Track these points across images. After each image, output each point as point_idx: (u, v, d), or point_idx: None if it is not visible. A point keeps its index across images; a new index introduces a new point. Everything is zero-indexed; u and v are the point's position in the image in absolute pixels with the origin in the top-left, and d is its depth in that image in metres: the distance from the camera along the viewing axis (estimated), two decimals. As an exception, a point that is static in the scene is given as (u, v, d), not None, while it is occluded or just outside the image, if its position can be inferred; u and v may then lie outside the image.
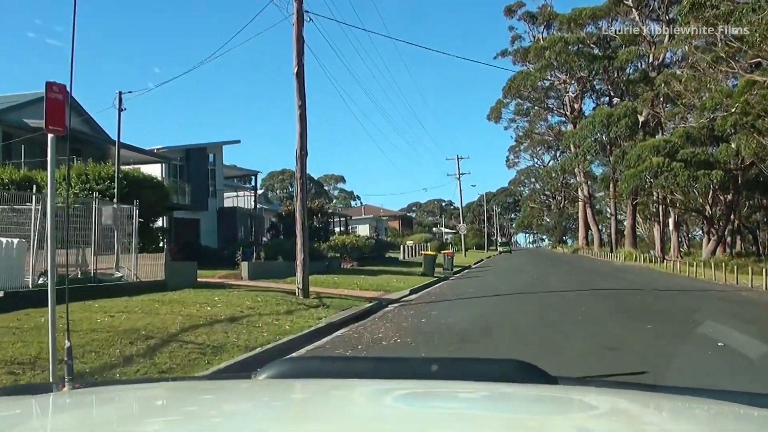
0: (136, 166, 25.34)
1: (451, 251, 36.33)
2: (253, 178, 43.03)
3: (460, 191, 65.40)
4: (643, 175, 38.28)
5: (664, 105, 44.60)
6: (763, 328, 11.15)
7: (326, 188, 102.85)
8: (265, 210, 43.42)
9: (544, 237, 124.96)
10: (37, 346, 7.22)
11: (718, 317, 12.12)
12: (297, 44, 16.07)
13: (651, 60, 48.98)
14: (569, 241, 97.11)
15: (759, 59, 29.77)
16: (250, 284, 18.82)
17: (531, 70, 55.38)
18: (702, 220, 44.75)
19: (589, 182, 64.83)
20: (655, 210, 49.48)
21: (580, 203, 68.46)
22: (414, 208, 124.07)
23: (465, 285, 23.56)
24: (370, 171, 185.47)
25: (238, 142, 45.04)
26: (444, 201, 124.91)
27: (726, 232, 41.63)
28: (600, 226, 68.92)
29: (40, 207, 14.81)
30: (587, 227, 68.05)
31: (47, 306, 10.86)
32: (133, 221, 16.46)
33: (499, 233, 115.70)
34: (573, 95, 60.27)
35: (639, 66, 51.32)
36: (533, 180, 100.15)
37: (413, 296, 18.92)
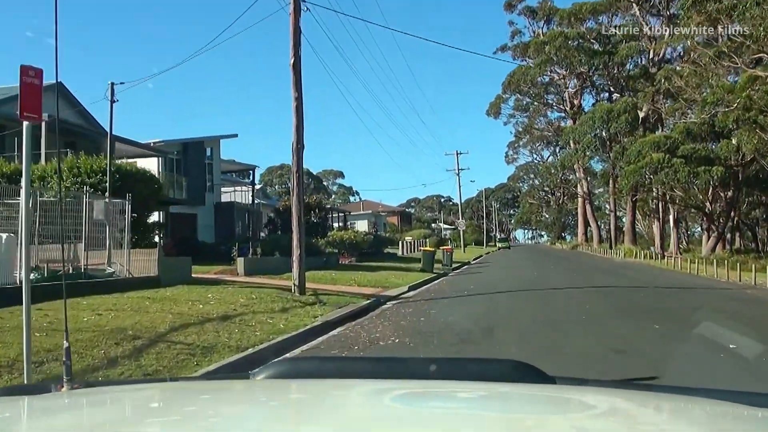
0: (132, 160, 24.97)
1: (450, 247, 36.11)
2: (251, 172, 42.66)
3: (459, 187, 65.19)
4: (643, 171, 38.04)
5: (665, 101, 44.32)
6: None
7: (325, 184, 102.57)
8: (264, 205, 43.10)
9: (542, 233, 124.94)
10: (17, 348, 6.87)
11: (726, 317, 11.79)
12: (294, 35, 15.72)
13: (651, 56, 48.80)
14: (568, 238, 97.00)
15: (762, 54, 29.45)
16: (245, 280, 18.51)
17: (531, 65, 55.04)
18: (702, 216, 44.55)
19: (588, 178, 64.63)
20: (654, 206, 49.28)
21: (580, 199, 68.19)
22: (413, 204, 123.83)
23: (464, 282, 23.24)
24: (369, 166, 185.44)
25: (235, 136, 44.58)
26: (443, 197, 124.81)
27: (726, 229, 41.38)
28: (599, 223, 68.66)
29: (30, 201, 14.52)
30: (586, 223, 67.88)
31: (36, 303, 10.57)
32: (126, 216, 16.13)
33: (497, 229, 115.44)
34: (573, 91, 59.96)
35: (639, 62, 51.13)
36: (532, 176, 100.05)
37: (412, 293, 18.61)
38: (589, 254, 54.93)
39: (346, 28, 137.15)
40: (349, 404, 1.65)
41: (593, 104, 56.67)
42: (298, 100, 15.85)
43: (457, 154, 62.60)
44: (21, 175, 17.01)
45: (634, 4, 48.65)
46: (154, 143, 30.35)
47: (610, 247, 54.76)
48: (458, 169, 62.66)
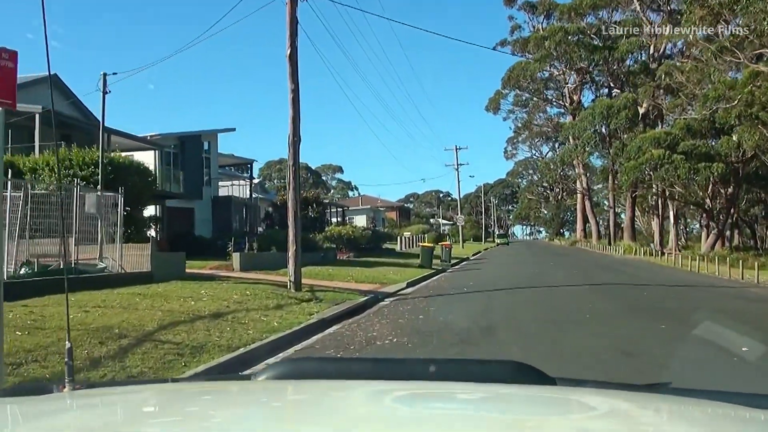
0: (129, 154, 24.60)
1: (448, 243, 35.82)
2: (249, 167, 42.33)
3: (458, 182, 65.08)
4: (643, 167, 37.81)
5: (665, 96, 44.02)
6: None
7: (324, 178, 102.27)
8: (262, 199, 42.79)
9: (541, 229, 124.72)
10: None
11: (734, 317, 11.44)
12: (290, 25, 15.41)
13: (652, 51, 48.51)
14: (566, 234, 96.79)
15: (765, 50, 29.14)
16: (240, 276, 18.21)
17: (530, 61, 54.72)
18: (701, 213, 44.32)
19: (587, 174, 64.34)
20: (653, 203, 49.06)
21: (579, 195, 67.92)
22: (412, 199, 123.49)
23: (464, 278, 22.94)
24: (368, 161, 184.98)
25: (233, 130, 44.28)
26: (442, 192, 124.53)
27: (725, 226, 41.14)
28: (598, 219, 68.40)
29: (21, 194, 14.18)
30: (585, 220, 67.65)
31: (24, 299, 10.25)
32: (118, 209, 15.80)
33: (496, 225, 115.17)
34: (572, 86, 59.63)
35: (639, 57, 50.83)
36: (531, 171, 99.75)
37: (410, 289, 18.32)
38: (588, 250, 54.66)
39: (343, 19, 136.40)
40: (350, 405, 1.65)
41: (593, 100, 56.48)
42: (295, 92, 15.56)
43: (456, 149, 62.35)
44: (10, 168, 16.66)
45: (635, 0, 48.30)
46: (151, 137, 30.03)
47: (609, 244, 54.51)
48: (457, 165, 62.42)
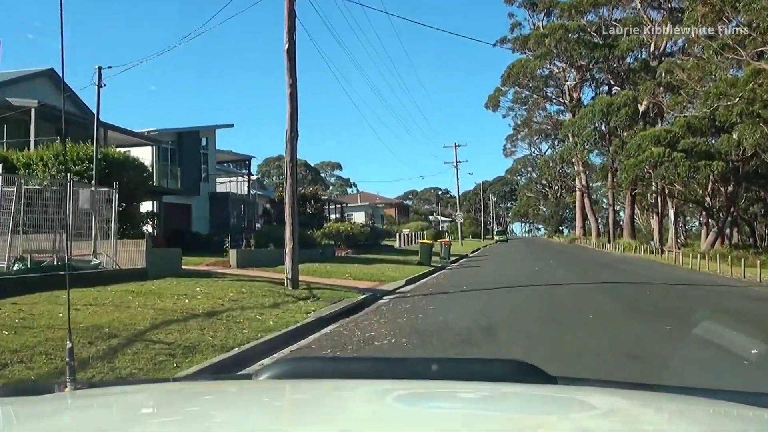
0: (126, 149, 24.35)
1: (448, 240, 35.68)
2: (247, 163, 42.04)
3: (457, 179, 65.06)
4: (643, 165, 37.69)
5: (665, 94, 43.83)
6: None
7: (323, 175, 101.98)
8: (260, 196, 42.56)
9: (540, 226, 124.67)
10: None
11: (739, 317, 11.25)
12: (288, 19, 15.17)
13: (652, 49, 48.32)
14: (565, 231, 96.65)
15: (766, 47, 28.94)
16: (237, 273, 17.99)
17: (530, 58, 54.49)
18: (701, 211, 44.17)
19: (587, 172, 64.15)
20: (653, 201, 48.90)
21: (578, 193, 67.75)
22: (410, 196, 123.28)
23: (463, 275, 22.74)
24: (367, 158, 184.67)
25: (231, 126, 43.96)
26: (440, 189, 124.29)
27: (725, 224, 41.01)
28: (597, 216, 68.23)
29: (15, 189, 13.95)
30: (584, 217, 67.52)
31: (14, 297, 10.03)
32: (113, 205, 15.57)
33: (495, 222, 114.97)
34: (572, 84, 59.43)
35: (640, 55, 50.67)
36: (530, 169, 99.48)
37: (409, 287, 18.11)
38: (588, 248, 54.49)
39: (342, 13, 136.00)
40: (351, 405, 1.65)
41: (593, 97, 56.39)
42: (293, 86, 15.33)
43: (456, 146, 62.05)
44: (5, 162, 16.41)
45: (635, -3, 48.09)
46: (148, 132, 29.74)
47: (609, 241, 54.32)
48: (456, 162, 62.14)
